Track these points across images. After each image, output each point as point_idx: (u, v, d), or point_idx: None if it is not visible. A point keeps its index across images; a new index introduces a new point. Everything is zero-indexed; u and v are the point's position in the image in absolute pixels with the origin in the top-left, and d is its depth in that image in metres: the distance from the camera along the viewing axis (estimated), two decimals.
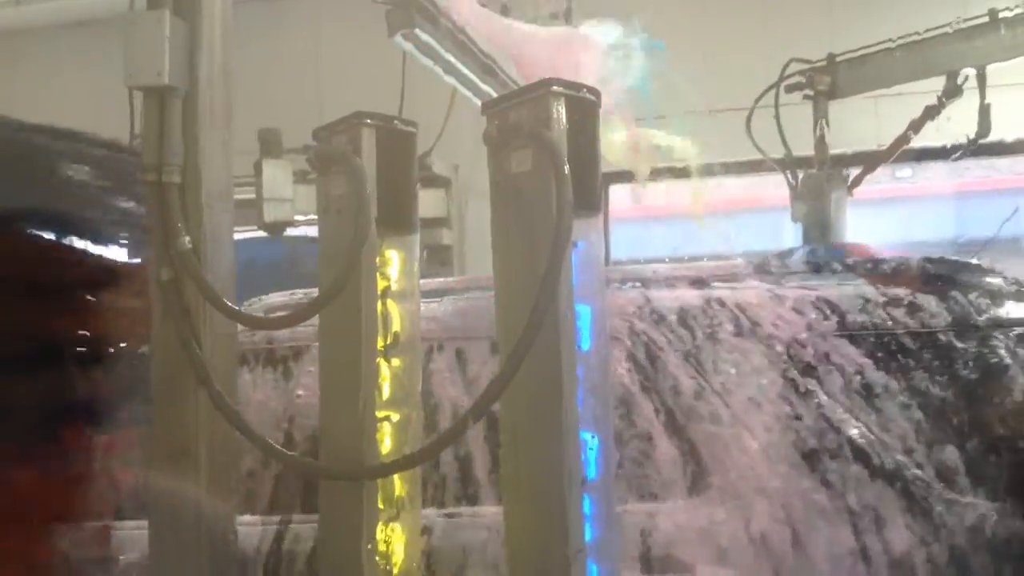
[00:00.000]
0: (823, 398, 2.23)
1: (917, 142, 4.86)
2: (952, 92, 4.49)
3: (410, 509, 2.08)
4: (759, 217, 5.15)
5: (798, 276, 2.54)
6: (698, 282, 2.50)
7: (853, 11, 6.46)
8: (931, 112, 4.60)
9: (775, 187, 5.04)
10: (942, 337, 2.30)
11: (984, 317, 2.32)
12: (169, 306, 2.05)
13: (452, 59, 3.61)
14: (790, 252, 3.18)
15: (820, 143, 4.84)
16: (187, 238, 2.04)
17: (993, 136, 4.66)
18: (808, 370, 2.27)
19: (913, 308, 2.34)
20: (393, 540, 2.05)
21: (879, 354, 2.28)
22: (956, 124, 4.67)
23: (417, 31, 3.27)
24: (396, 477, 2.05)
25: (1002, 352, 2.27)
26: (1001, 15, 4.36)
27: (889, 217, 6.29)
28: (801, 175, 4.91)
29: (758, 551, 2.12)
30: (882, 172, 6.21)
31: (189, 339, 2.02)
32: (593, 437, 1.84)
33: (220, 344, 2.08)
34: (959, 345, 2.28)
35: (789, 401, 2.24)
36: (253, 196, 5.11)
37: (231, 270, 2.13)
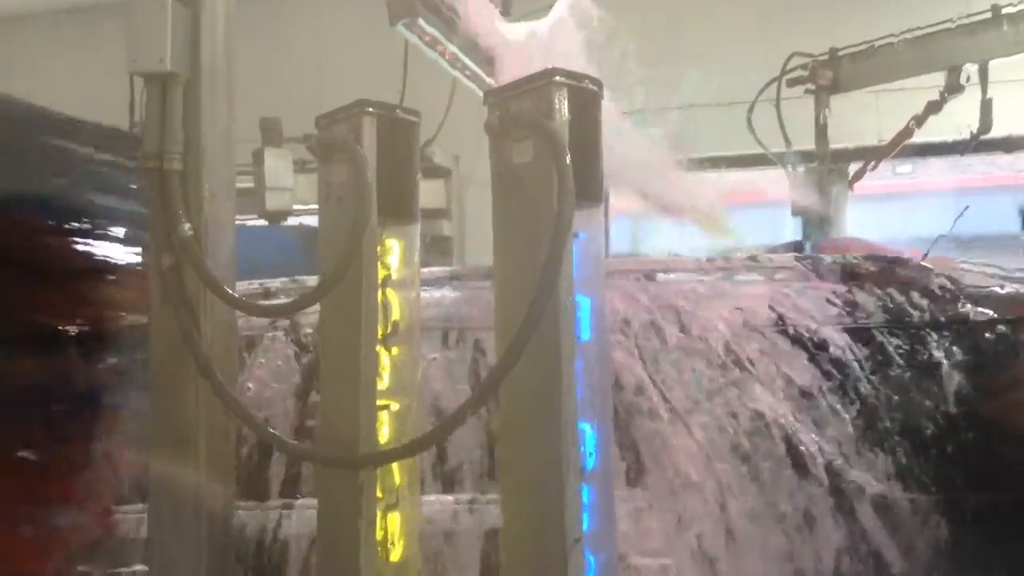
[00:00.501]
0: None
1: (919, 137, 4.86)
2: (954, 87, 4.49)
3: (409, 498, 2.08)
4: (761, 212, 5.15)
5: (744, 272, 2.55)
6: (648, 276, 2.52)
7: (856, 5, 6.45)
8: (933, 107, 4.60)
9: (777, 181, 5.05)
10: (874, 333, 2.32)
11: (917, 314, 2.35)
12: (169, 293, 2.05)
13: (454, 49, 3.60)
14: (781, 247, 3.19)
15: (821, 137, 4.85)
16: (188, 225, 2.04)
17: (996, 132, 4.66)
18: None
19: (844, 304, 2.36)
20: (392, 529, 2.06)
21: (788, 348, 2.30)
22: (958, 119, 4.67)
23: (419, 21, 3.26)
24: (395, 466, 2.05)
25: (933, 349, 2.30)
26: (1004, 11, 4.36)
27: (889, 213, 6.29)
28: (801, 169, 4.91)
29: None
30: (883, 168, 6.21)
31: (189, 326, 2.03)
32: (592, 428, 1.85)
33: (220, 332, 2.08)
34: (889, 341, 2.31)
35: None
36: (252, 185, 5.10)
37: (232, 258, 2.13)
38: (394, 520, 2.06)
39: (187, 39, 2.05)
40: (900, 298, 2.37)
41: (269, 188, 5.15)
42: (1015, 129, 5.65)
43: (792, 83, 4.89)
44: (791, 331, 2.31)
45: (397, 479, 2.07)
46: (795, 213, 4.91)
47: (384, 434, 2.07)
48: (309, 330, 2.40)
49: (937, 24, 4.52)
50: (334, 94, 2.22)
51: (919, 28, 4.56)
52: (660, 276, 2.48)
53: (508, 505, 1.87)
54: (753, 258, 2.54)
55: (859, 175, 4.92)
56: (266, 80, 5.64)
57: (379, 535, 2.02)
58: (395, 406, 2.08)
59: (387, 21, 3.52)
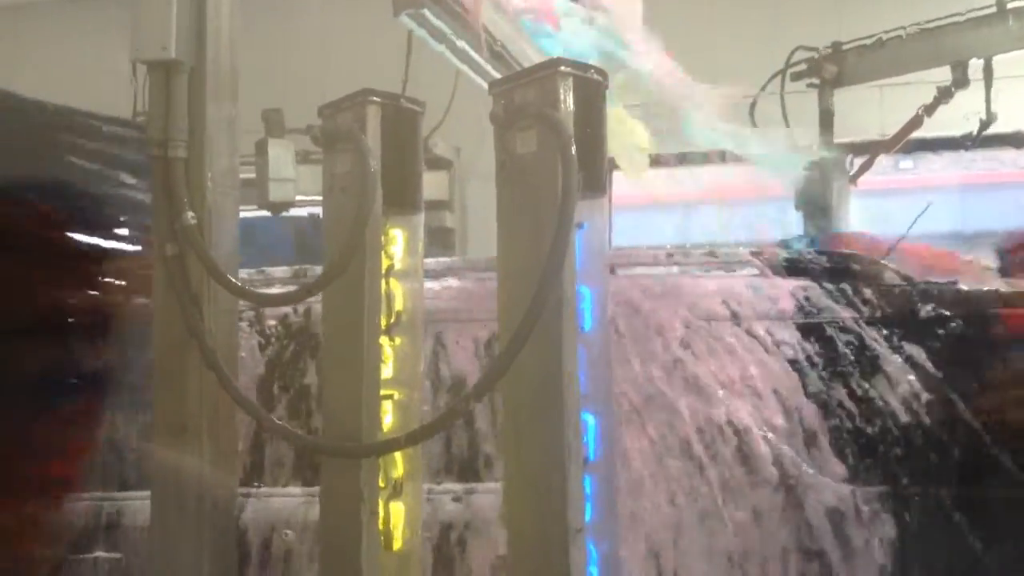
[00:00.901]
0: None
1: (923, 132, 4.85)
2: (960, 82, 4.48)
3: (411, 488, 2.09)
4: (766, 206, 5.14)
5: (701, 267, 2.59)
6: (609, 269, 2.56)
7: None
8: (944, 94, 4.57)
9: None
10: (822, 328, 2.35)
11: (867, 310, 2.37)
12: (172, 281, 2.05)
13: (457, 40, 3.59)
14: (780, 242, 3.19)
15: (826, 131, 4.84)
16: (191, 213, 2.04)
17: (1001, 128, 4.65)
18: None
19: (795, 298, 2.39)
20: (394, 519, 2.06)
21: (737, 343, 2.34)
22: (963, 114, 4.66)
23: (424, 11, 3.25)
24: (397, 455, 2.06)
25: (876, 343, 2.32)
26: (1010, 6, 4.34)
27: (891, 208, 6.28)
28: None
29: None
30: (885, 163, 6.19)
31: (192, 314, 2.03)
32: (594, 418, 1.85)
33: (222, 319, 2.09)
34: (836, 335, 2.34)
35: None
36: (253, 176, 5.10)
37: (235, 246, 2.13)
38: (396, 510, 2.06)
39: (192, 28, 2.05)
40: (851, 293, 2.39)
41: (272, 179, 5.14)
42: (1021, 125, 5.64)
43: (796, 77, 4.88)
44: (741, 325, 2.34)
45: (399, 469, 2.07)
46: (798, 207, 4.91)
47: (387, 423, 2.07)
48: (273, 322, 2.42)
49: (943, 18, 4.50)
50: (337, 85, 2.22)
51: (925, 22, 4.55)
52: (620, 271, 2.52)
53: (511, 495, 1.87)
54: (711, 253, 2.56)
55: (864, 168, 4.91)
56: (270, 70, 5.64)
57: (381, 524, 2.03)
58: (398, 396, 2.09)
59: (390, 12, 3.51)
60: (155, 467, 2.07)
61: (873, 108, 5.61)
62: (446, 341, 2.36)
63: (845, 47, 4.79)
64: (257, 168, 5.16)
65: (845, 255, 2.51)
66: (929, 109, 4.65)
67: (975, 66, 4.48)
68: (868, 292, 2.38)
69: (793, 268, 2.46)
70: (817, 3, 6.75)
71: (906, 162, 6.75)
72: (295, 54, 7.49)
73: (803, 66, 4.87)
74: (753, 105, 4.93)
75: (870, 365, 2.29)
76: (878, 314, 2.35)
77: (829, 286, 2.41)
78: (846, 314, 2.35)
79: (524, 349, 1.70)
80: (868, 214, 5.17)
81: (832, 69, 4.73)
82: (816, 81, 4.85)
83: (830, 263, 2.47)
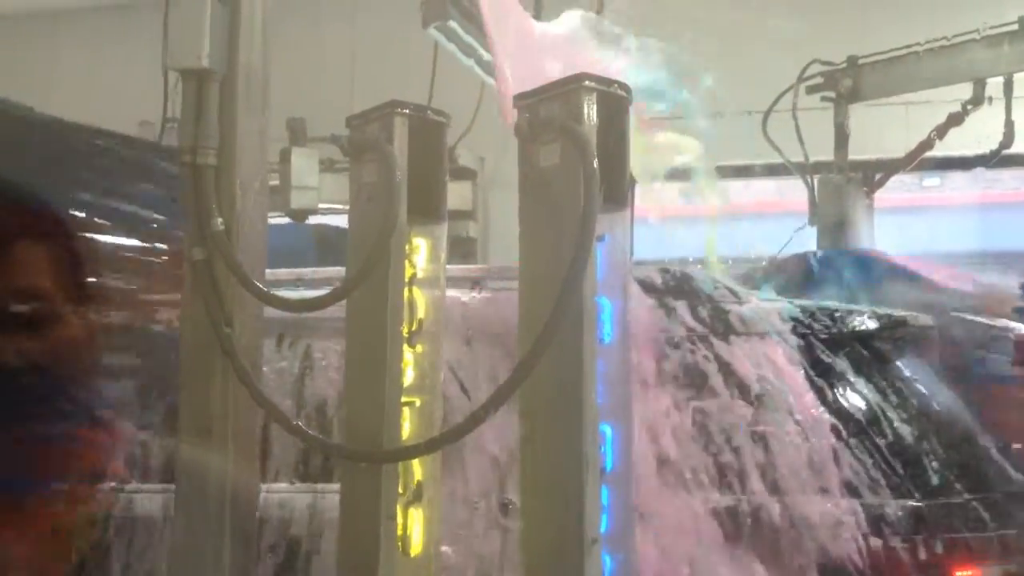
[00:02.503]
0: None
1: (944, 151, 4.82)
2: (979, 99, 4.45)
3: (429, 495, 2.11)
4: (788, 220, 5.14)
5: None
6: (476, 283, 2.71)
7: (887, 11, 6.42)
8: (955, 119, 4.56)
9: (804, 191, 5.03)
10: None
11: (698, 326, 2.55)
12: (200, 286, 2.09)
13: (485, 53, 3.62)
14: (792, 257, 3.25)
15: (840, 147, 4.81)
16: (220, 219, 2.07)
17: (1018, 147, 4.62)
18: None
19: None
20: (412, 525, 2.08)
21: None
22: (985, 132, 4.63)
23: (451, 23, 3.29)
24: (416, 462, 2.08)
25: (703, 358, 2.49)
26: None
27: (916, 226, 6.25)
28: (818, 179, 4.89)
29: None
30: (910, 180, 6.15)
31: (218, 318, 2.06)
32: (612, 429, 1.86)
33: (248, 325, 2.12)
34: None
35: None
36: (277, 183, 5.16)
37: (262, 252, 2.16)
38: (414, 516, 2.09)
39: (225, 37, 2.09)
40: (684, 311, 2.57)
41: (294, 187, 5.20)
42: None
43: (812, 90, 4.86)
44: None
45: (418, 475, 2.10)
46: (812, 222, 4.90)
47: (406, 430, 2.10)
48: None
49: (962, 34, 4.47)
50: (365, 94, 2.26)
51: (945, 38, 4.52)
52: (490, 283, 2.66)
53: (527, 504, 1.89)
54: None
55: (877, 185, 4.89)
56: (299, 80, 5.71)
57: (399, 530, 2.05)
58: (418, 403, 2.11)
59: (417, 27, 3.56)
60: (179, 466, 2.10)
61: (899, 126, 5.59)
62: (314, 355, 2.58)
63: (860, 62, 4.77)
64: (281, 175, 5.21)
65: (682, 274, 2.68)
66: (941, 131, 4.63)
67: (995, 85, 4.44)
68: (701, 309, 2.57)
69: (649, 287, 2.63)
70: (842, 17, 6.73)
71: (931, 180, 6.71)
72: (327, 62, 7.58)
73: (818, 79, 4.84)
74: (766, 119, 4.91)
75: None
76: (701, 328, 2.53)
77: (669, 302, 2.59)
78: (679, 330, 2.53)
79: (544, 359, 1.73)
80: (891, 232, 5.15)
81: (847, 83, 4.72)
82: (832, 95, 4.83)
83: (671, 281, 2.65)
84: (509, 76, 2.77)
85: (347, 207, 2.15)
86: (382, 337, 2.02)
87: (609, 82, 1.87)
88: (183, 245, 2.12)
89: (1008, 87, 4.43)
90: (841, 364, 2.55)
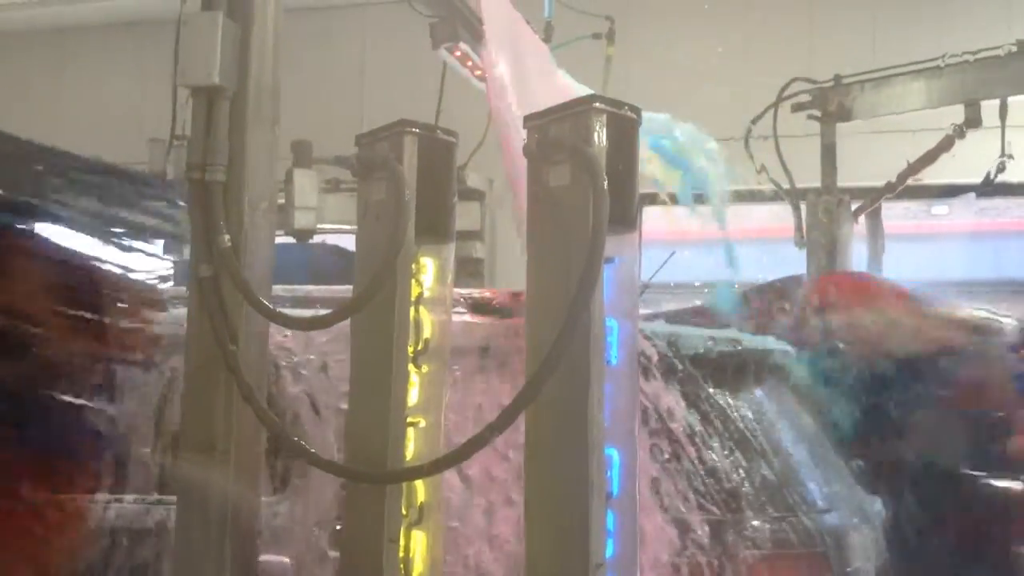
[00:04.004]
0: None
1: (944, 178, 4.78)
2: (972, 122, 4.40)
3: (433, 515, 2.09)
4: (783, 246, 5.12)
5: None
6: None
7: (894, 24, 6.42)
8: (945, 144, 4.53)
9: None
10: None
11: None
12: (206, 302, 2.08)
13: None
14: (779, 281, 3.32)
15: (828, 168, 4.78)
16: (227, 236, 2.07)
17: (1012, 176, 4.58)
18: None
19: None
20: (414, 546, 2.06)
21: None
22: (987, 158, 4.59)
23: (460, 44, 3.30)
24: (419, 483, 2.06)
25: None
26: None
27: (922, 253, 6.23)
28: (804, 203, 4.87)
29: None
30: (917, 208, 6.13)
31: (223, 335, 2.05)
32: (618, 453, 1.85)
33: (253, 341, 2.11)
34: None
35: None
36: (281, 202, 5.20)
37: (269, 270, 2.16)
38: (417, 537, 2.06)
39: (236, 54, 2.10)
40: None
41: (296, 207, 5.25)
42: None
43: (796, 108, 4.82)
44: None
45: (421, 496, 2.08)
46: (799, 245, 4.88)
47: (410, 450, 2.08)
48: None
49: (952, 56, 4.44)
50: (374, 113, 2.26)
51: (934, 59, 4.48)
52: None
53: (532, 528, 1.86)
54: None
55: (861, 210, 4.87)
56: (309, 99, 5.74)
57: (402, 551, 2.03)
58: (423, 423, 2.10)
59: (427, 48, 3.58)
60: (181, 482, 2.09)
61: (903, 152, 5.59)
62: None
63: (846, 80, 4.74)
64: (286, 196, 5.26)
65: (514, 294, 2.66)
66: (930, 157, 4.58)
67: (991, 108, 4.39)
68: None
69: (484, 309, 2.66)
70: (853, 33, 6.72)
71: (939, 208, 6.70)
72: (333, 83, 7.61)
73: (803, 97, 4.81)
74: (747, 139, 4.88)
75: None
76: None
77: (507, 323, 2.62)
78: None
79: (550, 381, 1.71)
80: (896, 258, 5.13)
81: (834, 101, 4.69)
82: (817, 114, 4.80)
83: (503, 302, 2.68)
84: (513, 102, 2.77)
85: (349, 226, 2.15)
86: (387, 356, 2.01)
87: (619, 104, 1.87)
88: (190, 261, 2.12)
89: (1003, 110, 4.38)
90: (672, 388, 2.60)
